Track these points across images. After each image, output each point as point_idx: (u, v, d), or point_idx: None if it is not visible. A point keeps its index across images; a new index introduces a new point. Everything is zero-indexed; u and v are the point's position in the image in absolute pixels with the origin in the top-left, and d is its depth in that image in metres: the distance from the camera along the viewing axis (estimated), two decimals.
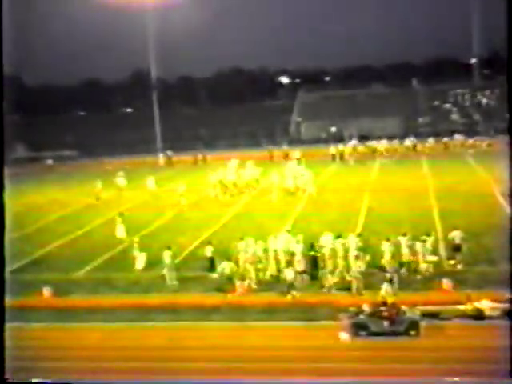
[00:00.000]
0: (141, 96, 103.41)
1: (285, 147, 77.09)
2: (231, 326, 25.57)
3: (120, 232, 38.86)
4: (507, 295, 24.58)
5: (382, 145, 74.21)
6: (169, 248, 31.54)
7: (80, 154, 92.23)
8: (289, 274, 28.36)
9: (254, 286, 29.19)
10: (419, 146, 73.73)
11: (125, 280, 31.99)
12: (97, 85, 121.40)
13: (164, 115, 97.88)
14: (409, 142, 75.00)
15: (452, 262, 30.00)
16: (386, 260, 28.55)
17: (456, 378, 17.83)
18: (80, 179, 68.55)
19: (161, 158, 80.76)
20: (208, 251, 31.67)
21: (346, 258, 29.49)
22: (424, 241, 29.74)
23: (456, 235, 30.55)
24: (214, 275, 30.31)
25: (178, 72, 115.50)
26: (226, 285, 29.07)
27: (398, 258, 29.15)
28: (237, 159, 59.06)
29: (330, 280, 28.28)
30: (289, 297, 27.69)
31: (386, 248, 29.15)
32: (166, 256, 30.99)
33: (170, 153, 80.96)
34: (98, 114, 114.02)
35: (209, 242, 32.85)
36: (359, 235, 31.69)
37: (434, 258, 29.68)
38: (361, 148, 73.62)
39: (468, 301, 24.61)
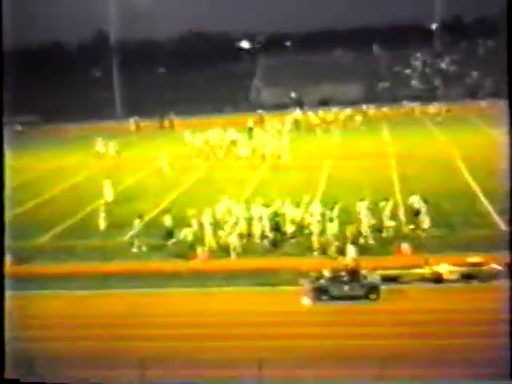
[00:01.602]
0: (101, 60, 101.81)
1: (260, 112, 74.60)
2: (193, 292, 25.70)
3: (107, 194, 39.11)
4: (465, 259, 25.09)
5: (338, 112, 72.97)
6: (140, 217, 31.68)
7: (41, 120, 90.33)
8: (232, 239, 28.87)
9: (217, 252, 29.31)
10: (379, 112, 72.92)
11: (86, 247, 31.86)
12: (57, 48, 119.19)
13: (125, 79, 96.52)
14: (364, 108, 73.59)
15: (411, 226, 30.32)
16: (354, 225, 28.91)
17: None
18: (39, 146, 67.63)
19: (131, 124, 79.02)
20: (167, 219, 31.64)
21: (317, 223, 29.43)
22: (383, 206, 30.15)
23: (415, 200, 30.89)
24: (172, 242, 30.43)
25: (139, 35, 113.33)
26: (187, 251, 29.17)
27: (359, 223, 29.48)
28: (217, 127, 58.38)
29: (317, 243, 28.55)
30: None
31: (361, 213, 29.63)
32: (136, 225, 31.22)
33: (136, 118, 79.59)
34: (59, 77, 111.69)
35: (167, 211, 33.02)
36: (334, 203, 30.99)
37: (392, 223, 30.08)
38: (320, 114, 72.45)
39: (427, 264, 25.01)
